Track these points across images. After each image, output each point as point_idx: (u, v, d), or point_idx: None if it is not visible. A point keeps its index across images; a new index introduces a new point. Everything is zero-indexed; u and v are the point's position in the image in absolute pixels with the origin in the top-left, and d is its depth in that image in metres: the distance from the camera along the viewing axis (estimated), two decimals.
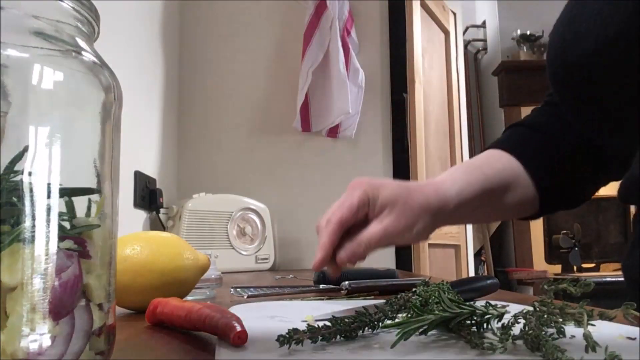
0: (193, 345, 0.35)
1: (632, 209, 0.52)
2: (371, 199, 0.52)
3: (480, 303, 0.35)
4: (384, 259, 1.88)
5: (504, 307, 0.39)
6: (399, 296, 0.38)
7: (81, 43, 0.26)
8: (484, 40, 3.82)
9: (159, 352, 0.34)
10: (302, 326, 0.31)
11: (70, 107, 0.25)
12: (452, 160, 2.26)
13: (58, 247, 0.23)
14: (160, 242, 0.53)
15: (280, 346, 0.29)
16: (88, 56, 0.26)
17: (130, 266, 0.50)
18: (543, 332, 0.29)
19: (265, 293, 0.63)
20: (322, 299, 0.59)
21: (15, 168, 0.22)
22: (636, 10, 0.40)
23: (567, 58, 0.47)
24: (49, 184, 0.23)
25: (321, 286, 0.69)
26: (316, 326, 0.31)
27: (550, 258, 3.29)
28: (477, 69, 3.89)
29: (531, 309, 0.33)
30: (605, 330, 0.34)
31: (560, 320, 0.30)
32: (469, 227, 2.42)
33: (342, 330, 0.32)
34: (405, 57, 1.97)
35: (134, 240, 0.52)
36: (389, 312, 0.36)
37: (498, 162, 0.60)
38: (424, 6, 2.14)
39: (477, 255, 3.09)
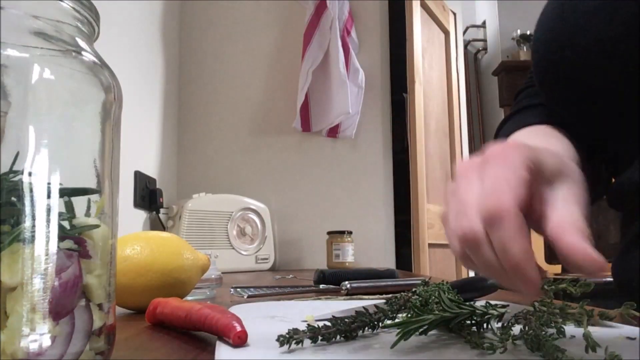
0: (193, 346, 0.35)
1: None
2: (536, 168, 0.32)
3: (480, 303, 0.35)
4: (384, 259, 1.88)
5: (503, 307, 0.39)
6: (398, 296, 0.38)
7: (81, 43, 0.26)
8: (484, 40, 3.82)
9: (159, 352, 0.34)
10: (302, 326, 0.31)
11: (70, 107, 0.25)
12: (452, 160, 2.26)
13: (58, 247, 0.23)
14: (160, 242, 0.53)
15: (280, 346, 0.29)
16: (88, 56, 0.26)
17: (130, 266, 0.50)
18: (543, 332, 0.29)
19: (265, 293, 0.63)
20: (322, 299, 0.59)
21: (15, 168, 0.22)
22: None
23: (563, 53, 0.45)
24: (49, 184, 0.23)
25: (321, 286, 0.69)
26: (316, 326, 0.31)
27: (550, 258, 3.28)
28: (477, 69, 3.89)
29: (531, 309, 0.33)
30: (605, 330, 0.34)
31: (560, 320, 0.30)
32: None
33: (342, 330, 0.32)
34: (405, 57, 1.97)
35: (134, 240, 0.52)
36: (389, 312, 0.36)
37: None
38: (424, 6, 2.14)
39: None
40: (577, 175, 0.35)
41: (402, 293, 0.39)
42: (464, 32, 3.37)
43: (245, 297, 0.61)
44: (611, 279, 0.53)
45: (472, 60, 3.86)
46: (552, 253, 3.26)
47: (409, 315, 0.35)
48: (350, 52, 1.89)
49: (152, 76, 1.71)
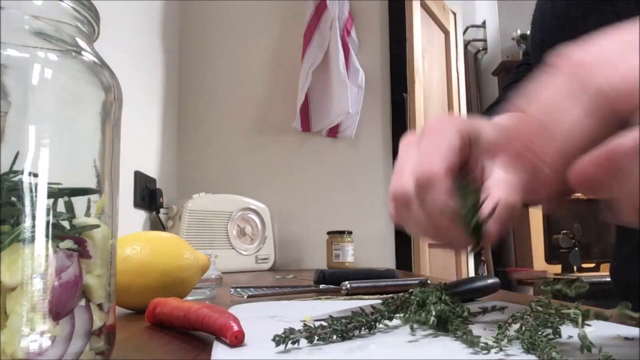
0: (193, 345, 0.35)
1: None
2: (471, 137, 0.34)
3: (479, 304, 0.35)
4: (384, 259, 1.88)
5: (502, 307, 0.39)
6: (395, 296, 0.38)
7: (81, 43, 0.26)
8: (484, 40, 3.82)
9: (158, 352, 0.34)
10: (300, 326, 0.31)
11: (70, 107, 0.25)
12: None
13: (58, 247, 0.23)
14: (160, 242, 0.53)
15: (276, 346, 0.29)
16: (88, 56, 0.26)
17: (130, 266, 0.50)
18: (539, 333, 0.29)
19: (265, 293, 0.63)
20: (322, 299, 0.59)
21: (15, 168, 0.22)
22: None
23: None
24: (49, 184, 0.23)
25: (321, 286, 0.69)
26: (312, 326, 0.31)
27: (550, 258, 3.29)
28: (477, 69, 3.89)
29: (528, 309, 0.33)
30: (604, 330, 0.34)
31: (557, 320, 0.31)
32: None
33: (339, 330, 0.32)
34: (405, 57, 1.97)
35: (134, 240, 0.52)
36: (386, 313, 0.36)
37: None
38: (424, 6, 2.14)
39: (477, 255, 3.09)
40: None
41: (399, 294, 0.39)
42: (464, 32, 3.37)
43: (245, 297, 0.61)
44: (607, 279, 0.53)
45: (472, 60, 3.85)
46: (552, 253, 3.26)
47: (406, 315, 0.35)
48: (350, 52, 1.89)
49: (152, 76, 1.71)
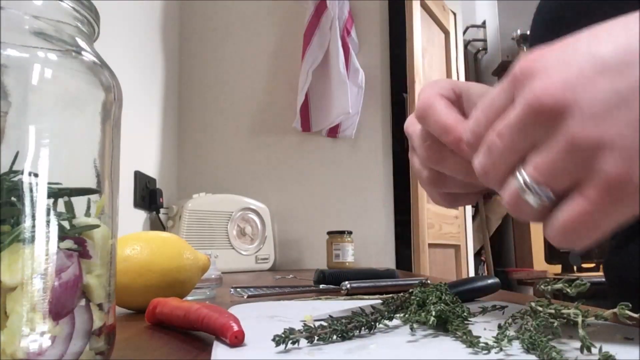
0: (193, 345, 0.35)
1: None
2: (461, 91, 0.39)
3: (480, 304, 0.35)
4: (384, 259, 1.88)
5: (502, 307, 0.39)
6: (395, 296, 0.38)
7: (81, 43, 0.26)
8: (484, 40, 3.82)
9: (159, 352, 0.34)
10: (300, 326, 0.31)
11: (70, 107, 0.25)
12: None
13: (58, 247, 0.23)
14: (160, 242, 0.53)
15: (276, 346, 0.29)
16: (88, 56, 0.26)
17: (130, 266, 0.50)
18: (539, 333, 0.29)
19: (265, 293, 0.63)
20: (322, 299, 0.59)
21: (15, 168, 0.22)
22: None
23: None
24: (49, 184, 0.23)
25: (321, 286, 0.69)
26: (312, 326, 0.31)
27: (550, 258, 3.28)
28: (477, 69, 3.89)
29: (528, 309, 0.33)
30: (604, 330, 0.34)
31: (557, 320, 0.31)
32: (469, 227, 2.42)
33: (339, 330, 0.32)
34: (405, 57, 1.97)
35: (134, 240, 0.52)
36: (386, 313, 0.36)
37: None
38: (424, 6, 2.14)
39: (477, 255, 3.09)
40: None
41: (399, 294, 0.39)
42: (464, 32, 3.37)
43: (245, 297, 0.61)
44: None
45: (472, 60, 3.85)
46: (552, 253, 3.26)
47: (407, 315, 0.35)
48: (350, 52, 1.89)
49: (152, 76, 1.71)
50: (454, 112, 0.35)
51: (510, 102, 0.27)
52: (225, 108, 1.99)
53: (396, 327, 0.37)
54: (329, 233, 1.66)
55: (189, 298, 0.56)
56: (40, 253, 0.22)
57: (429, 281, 0.48)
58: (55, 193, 0.23)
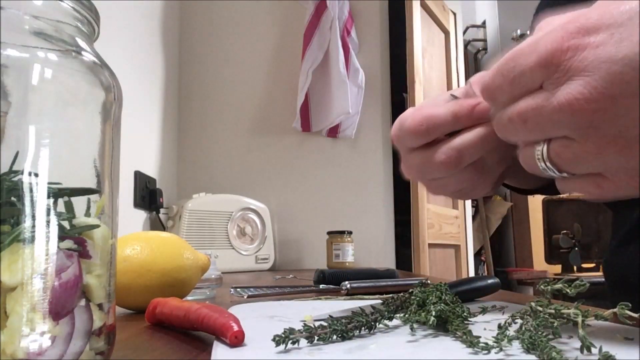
0: (193, 345, 0.35)
1: None
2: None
3: (478, 304, 0.35)
4: (384, 259, 1.88)
5: (502, 307, 0.39)
6: (395, 296, 0.38)
7: (81, 43, 0.26)
8: (484, 40, 3.82)
9: (158, 352, 0.34)
10: (300, 326, 0.31)
11: (70, 107, 0.25)
12: None
13: (58, 247, 0.23)
14: (160, 242, 0.53)
15: (276, 346, 0.29)
16: (88, 56, 0.26)
17: (130, 266, 0.50)
18: (539, 333, 0.29)
19: (265, 293, 0.63)
20: (322, 299, 0.59)
21: (15, 168, 0.22)
22: None
23: None
24: (49, 184, 0.23)
25: (321, 286, 0.69)
26: (312, 326, 0.31)
27: (550, 258, 3.29)
28: (477, 69, 3.89)
29: (528, 309, 0.33)
30: (604, 330, 0.34)
31: (557, 320, 0.31)
32: (469, 227, 2.42)
33: (339, 330, 0.32)
34: (405, 57, 1.97)
35: (134, 240, 0.52)
36: (386, 313, 0.36)
37: None
38: (424, 6, 2.14)
39: (477, 255, 3.09)
40: None
41: (399, 294, 0.39)
42: (464, 32, 3.37)
43: (245, 297, 0.61)
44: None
45: (472, 60, 3.85)
46: (552, 253, 3.27)
47: (407, 315, 0.35)
48: (350, 52, 1.89)
49: (152, 76, 1.71)
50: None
51: (540, 83, 0.28)
52: (225, 108, 1.99)
53: (396, 327, 0.37)
54: (329, 233, 1.66)
55: (189, 298, 0.56)
56: (40, 253, 0.22)
57: (429, 281, 0.48)
58: (55, 193, 0.23)
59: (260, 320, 0.41)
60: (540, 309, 0.32)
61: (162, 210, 1.62)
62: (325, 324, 0.32)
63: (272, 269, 1.72)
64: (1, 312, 0.22)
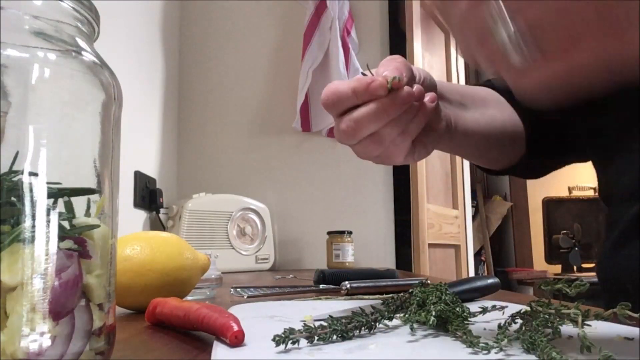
0: (193, 345, 0.35)
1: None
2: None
3: (479, 304, 0.35)
4: (384, 259, 1.88)
5: (502, 307, 0.39)
6: (395, 296, 0.38)
7: (81, 43, 0.26)
8: None
9: (158, 352, 0.34)
10: (300, 326, 0.31)
11: (70, 107, 0.25)
12: (452, 159, 2.26)
13: (58, 247, 0.23)
14: (160, 242, 0.53)
15: (276, 346, 0.29)
16: (88, 56, 0.26)
17: (130, 266, 0.50)
18: (539, 333, 0.29)
19: (265, 293, 0.63)
20: (322, 299, 0.59)
21: (15, 168, 0.22)
22: None
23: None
24: (48, 184, 0.23)
25: (321, 286, 0.69)
26: (312, 326, 0.31)
27: (550, 258, 3.29)
28: (477, 69, 3.89)
29: (528, 309, 0.33)
30: (604, 330, 0.34)
31: (557, 320, 0.31)
32: (469, 227, 2.42)
33: (339, 330, 0.32)
34: (405, 57, 1.96)
35: (134, 240, 0.52)
36: (386, 313, 0.36)
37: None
38: (424, 6, 2.14)
39: (477, 255, 3.09)
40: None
41: (399, 294, 0.39)
42: None
43: (245, 297, 0.61)
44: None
45: None
46: (552, 253, 3.27)
47: (407, 315, 0.35)
48: (350, 52, 1.89)
49: (152, 76, 1.71)
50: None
51: None
52: (225, 108, 1.99)
53: (396, 327, 0.37)
54: (329, 233, 1.66)
55: (189, 298, 0.56)
56: (40, 253, 0.22)
57: (429, 281, 0.47)
58: (55, 193, 0.23)
59: (260, 320, 0.41)
60: (540, 309, 0.32)
61: (162, 210, 1.62)
62: (325, 324, 0.32)
63: (272, 269, 1.72)
64: (1, 312, 0.22)
